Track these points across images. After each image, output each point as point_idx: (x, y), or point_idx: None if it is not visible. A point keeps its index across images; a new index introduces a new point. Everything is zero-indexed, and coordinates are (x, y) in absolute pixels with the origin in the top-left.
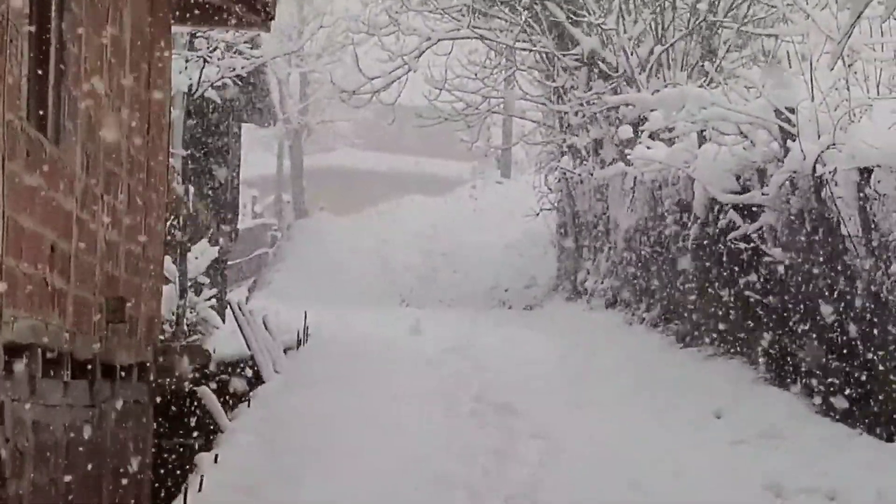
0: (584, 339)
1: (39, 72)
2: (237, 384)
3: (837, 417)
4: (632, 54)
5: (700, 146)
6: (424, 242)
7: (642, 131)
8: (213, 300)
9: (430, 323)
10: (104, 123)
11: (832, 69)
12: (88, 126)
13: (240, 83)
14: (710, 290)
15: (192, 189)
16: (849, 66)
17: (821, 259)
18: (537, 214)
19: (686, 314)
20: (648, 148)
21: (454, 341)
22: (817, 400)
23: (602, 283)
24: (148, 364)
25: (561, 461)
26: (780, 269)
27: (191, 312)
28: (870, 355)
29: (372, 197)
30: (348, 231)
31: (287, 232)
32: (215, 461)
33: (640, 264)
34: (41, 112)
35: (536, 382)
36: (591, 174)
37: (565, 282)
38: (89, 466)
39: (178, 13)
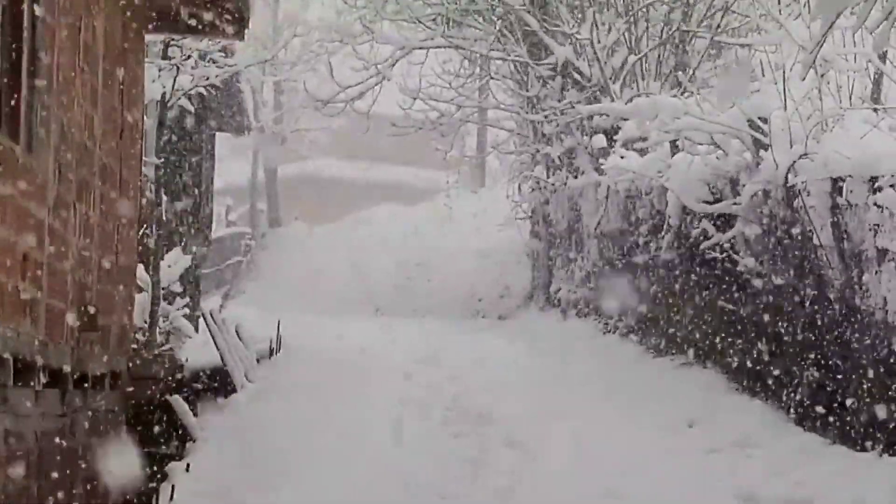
0: (559, 348)
1: (11, 79)
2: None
3: (811, 427)
4: (605, 64)
5: (673, 156)
6: (399, 251)
7: (616, 141)
8: (187, 309)
9: (404, 332)
10: (76, 132)
11: (804, 79)
12: (61, 134)
13: (214, 92)
14: (683, 299)
15: (165, 197)
16: (821, 76)
17: (793, 269)
18: (512, 222)
19: (660, 323)
20: (622, 157)
21: (428, 350)
22: (790, 409)
23: (576, 292)
24: (120, 373)
25: (535, 469)
26: (753, 278)
27: (164, 321)
28: (842, 365)
29: (347, 206)
30: (323, 240)
31: (261, 241)
32: (187, 470)
33: (613, 274)
34: (13, 120)
35: (510, 391)
36: (565, 184)
37: (539, 291)
38: (61, 475)
39: (151, 22)
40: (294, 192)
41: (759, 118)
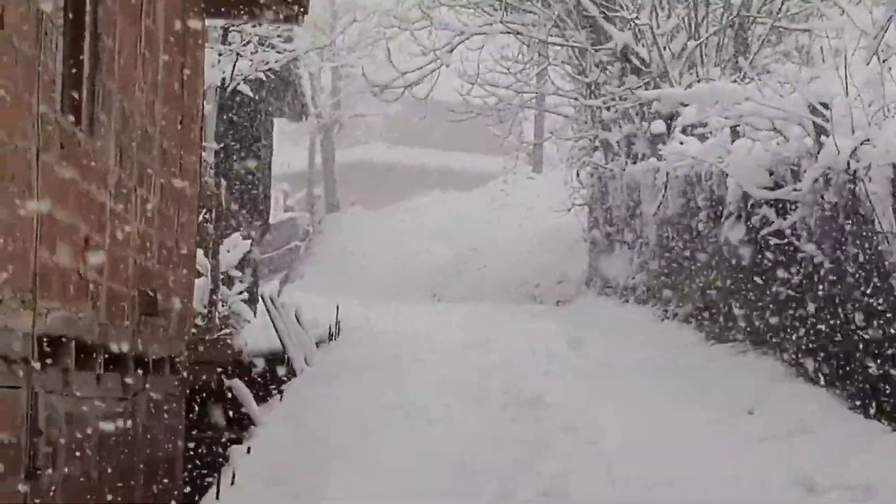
0: (616, 334)
1: (74, 64)
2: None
3: (870, 414)
4: (665, 49)
5: (733, 142)
6: (455, 237)
7: (675, 126)
8: (245, 294)
9: (461, 317)
10: (137, 116)
11: (867, 65)
12: (122, 118)
13: (272, 77)
14: (743, 286)
15: (224, 183)
16: (883, 61)
17: (854, 255)
18: (569, 210)
19: (718, 310)
20: (681, 143)
21: (485, 335)
22: (850, 397)
23: (633, 278)
24: (180, 357)
25: (591, 454)
26: (814, 264)
27: (223, 306)
28: None
29: (403, 191)
30: (380, 225)
31: (318, 226)
32: (248, 453)
33: (672, 260)
34: (75, 104)
35: (567, 376)
36: (624, 169)
37: (596, 277)
38: (122, 458)
39: (212, 7)
40: (350, 178)
41: (821, 104)
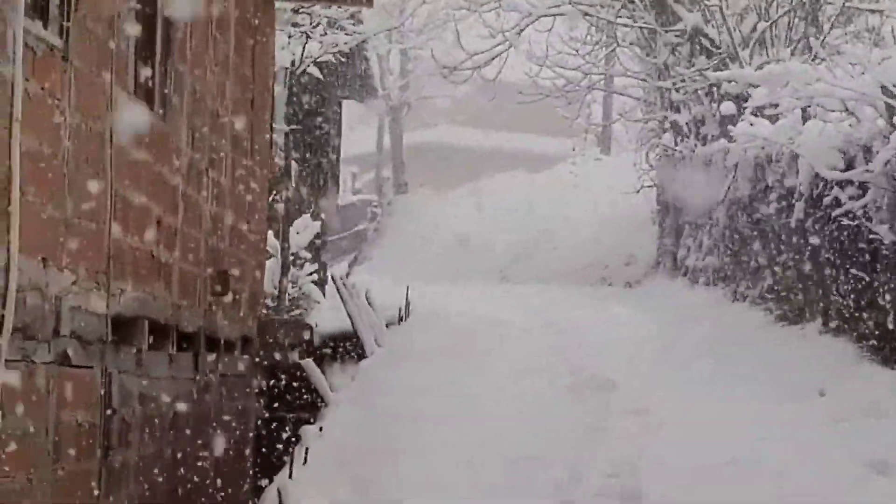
0: (685, 315)
1: (146, 46)
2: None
3: None
4: (735, 30)
5: (804, 123)
6: (523, 218)
7: (745, 108)
8: (315, 275)
9: (529, 298)
10: (209, 99)
11: None
12: (194, 101)
13: (342, 59)
14: (813, 267)
15: (294, 165)
16: None
17: None
18: (637, 191)
19: (789, 292)
20: (751, 125)
21: (554, 317)
22: None
23: (703, 260)
24: (252, 337)
25: (660, 437)
26: (886, 246)
27: (293, 287)
28: None
29: (471, 173)
30: (448, 207)
31: (387, 208)
32: (320, 433)
33: (741, 242)
34: (148, 86)
35: (636, 358)
36: (693, 151)
37: (666, 259)
38: (193, 438)
39: None
40: (418, 160)
41: (893, 85)
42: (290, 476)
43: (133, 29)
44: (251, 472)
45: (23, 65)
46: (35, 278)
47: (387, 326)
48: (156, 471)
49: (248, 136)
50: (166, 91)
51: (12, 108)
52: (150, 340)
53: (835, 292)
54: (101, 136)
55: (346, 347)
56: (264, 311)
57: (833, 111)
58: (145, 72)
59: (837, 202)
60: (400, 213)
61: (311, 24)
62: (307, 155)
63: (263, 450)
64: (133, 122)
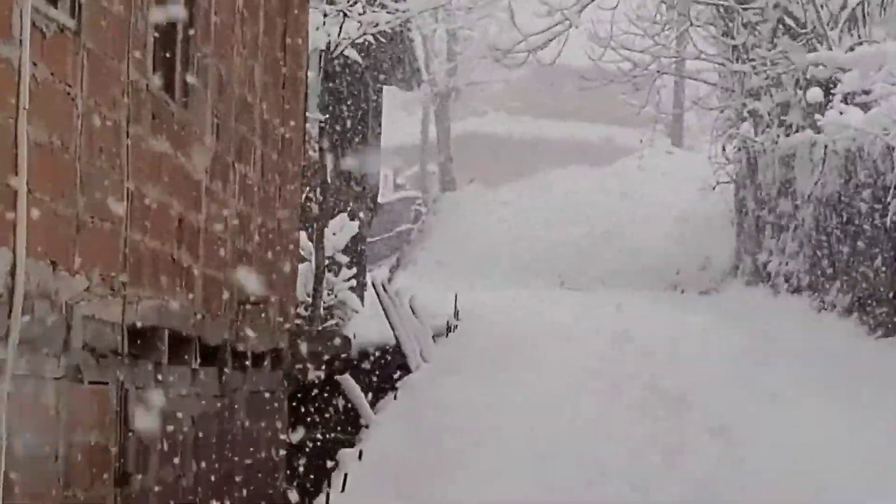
0: (767, 326)
1: (165, 26)
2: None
3: None
4: (822, 7)
5: None
6: (585, 218)
7: (834, 94)
8: (353, 281)
9: (592, 306)
10: (235, 84)
11: None
12: (219, 86)
13: (382, 41)
14: None
15: (329, 158)
16: None
17: None
18: (713, 188)
19: (884, 299)
20: (841, 113)
21: (619, 326)
22: None
23: (787, 265)
24: (282, 350)
25: (740, 460)
26: None
27: (328, 294)
28: None
29: (527, 167)
30: (501, 205)
31: (433, 206)
32: (359, 458)
33: (830, 244)
34: (168, 70)
35: (713, 373)
36: (776, 143)
37: (745, 263)
38: (218, 462)
39: None
40: (468, 152)
41: None
42: None
43: (152, 7)
44: (283, 500)
45: (30, 47)
46: (44, 284)
47: (433, 338)
48: (177, 498)
49: (279, 126)
50: (189, 76)
51: (19, 96)
52: (171, 354)
53: None
54: (116, 126)
55: (388, 361)
56: (296, 321)
57: None
58: (166, 55)
59: None
60: (447, 211)
61: (348, 1)
62: (344, 147)
63: (297, 476)
64: (152, 111)
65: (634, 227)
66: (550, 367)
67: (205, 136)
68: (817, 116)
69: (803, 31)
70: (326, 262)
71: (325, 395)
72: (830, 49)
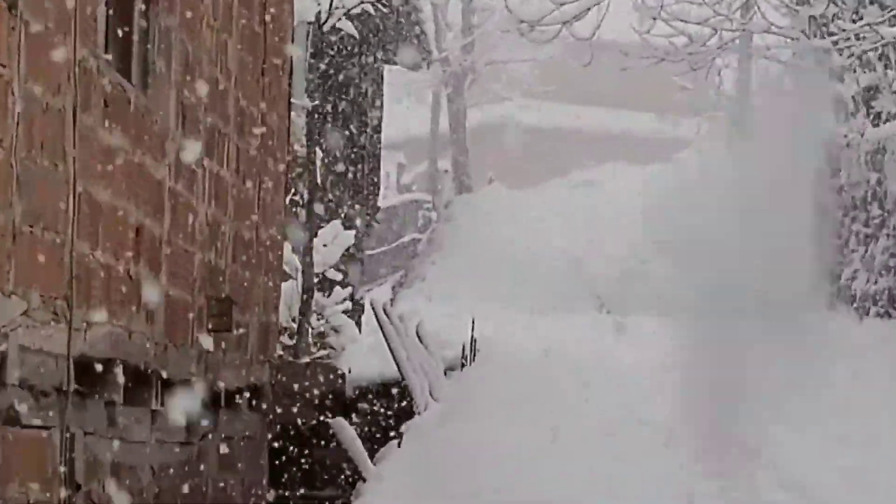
0: (850, 359)
1: None
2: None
3: None
4: None
5: None
6: (631, 226)
7: None
8: (348, 302)
9: (638, 335)
10: (206, 65)
11: None
12: (185, 68)
13: (384, 11)
14: None
15: (319, 153)
16: None
17: None
18: (786, 186)
19: None
20: None
21: (671, 359)
22: None
23: (876, 282)
24: (263, 387)
25: None
26: None
27: (318, 318)
28: None
29: (560, 164)
30: (527, 210)
31: (445, 211)
32: None
33: None
34: (123, 49)
35: (786, 416)
36: (862, 134)
37: (825, 280)
38: None
39: None
40: (488, 146)
41: None
42: None
43: None
44: None
45: None
46: None
47: (445, 373)
48: None
49: (259, 115)
50: (148, 54)
51: None
52: (126, 391)
53: None
54: (60, 116)
55: (390, 401)
56: (280, 351)
57: None
58: (122, 29)
59: None
60: (462, 217)
61: None
62: (337, 140)
63: None
64: (105, 97)
65: (690, 237)
66: (586, 410)
67: (168, 128)
68: None
69: None
70: (316, 279)
71: (314, 441)
72: None
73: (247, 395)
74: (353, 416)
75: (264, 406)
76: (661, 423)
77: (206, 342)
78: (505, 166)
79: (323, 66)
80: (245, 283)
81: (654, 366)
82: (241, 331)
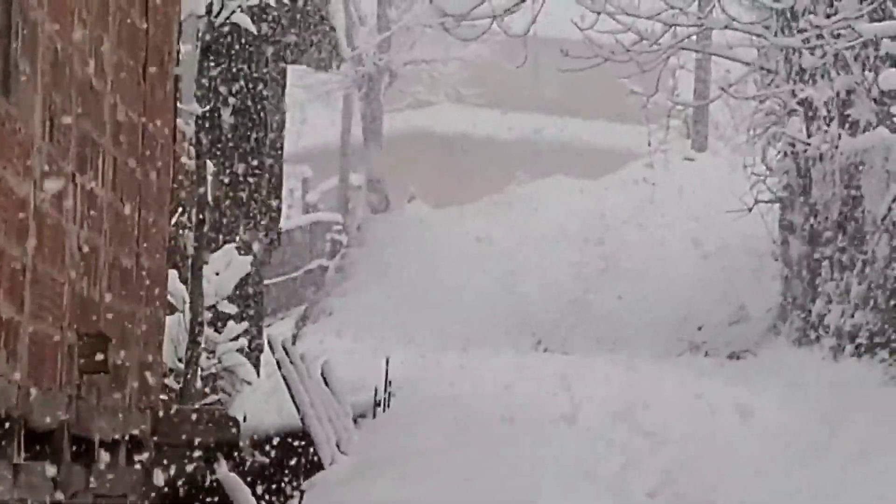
0: (826, 403)
1: None
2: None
3: None
4: None
5: None
6: (573, 250)
7: None
8: (243, 340)
9: (582, 375)
10: (77, 64)
11: None
12: (54, 68)
13: (286, 2)
14: None
15: (211, 167)
16: None
17: None
18: (749, 210)
19: None
20: None
21: (620, 405)
22: None
23: (852, 316)
24: (143, 438)
25: None
26: None
27: (209, 358)
28: None
29: (491, 179)
30: (454, 232)
31: (357, 234)
32: None
33: None
34: None
35: (750, 468)
36: (836, 146)
37: (794, 315)
38: None
39: None
40: (408, 158)
41: None
42: None
43: None
44: None
45: None
46: None
47: (355, 420)
48: None
49: (139, 123)
50: (8, 52)
51: None
52: None
53: None
54: None
55: (291, 453)
56: (163, 396)
57: None
58: None
59: None
60: (377, 241)
61: None
62: (232, 152)
63: None
64: None
65: (639, 263)
66: (524, 463)
67: (34, 138)
68: (893, 109)
69: None
70: (207, 313)
71: (202, 501)
72: None
73: (124, 447)
74: (248, 471)
75: (144, 459)
76: (611, 476)
77: (77, 385)
78: (427, 181)
79: (216, 67)
80: (123, 318)
81: (601, 412)
82: (120, 372)
